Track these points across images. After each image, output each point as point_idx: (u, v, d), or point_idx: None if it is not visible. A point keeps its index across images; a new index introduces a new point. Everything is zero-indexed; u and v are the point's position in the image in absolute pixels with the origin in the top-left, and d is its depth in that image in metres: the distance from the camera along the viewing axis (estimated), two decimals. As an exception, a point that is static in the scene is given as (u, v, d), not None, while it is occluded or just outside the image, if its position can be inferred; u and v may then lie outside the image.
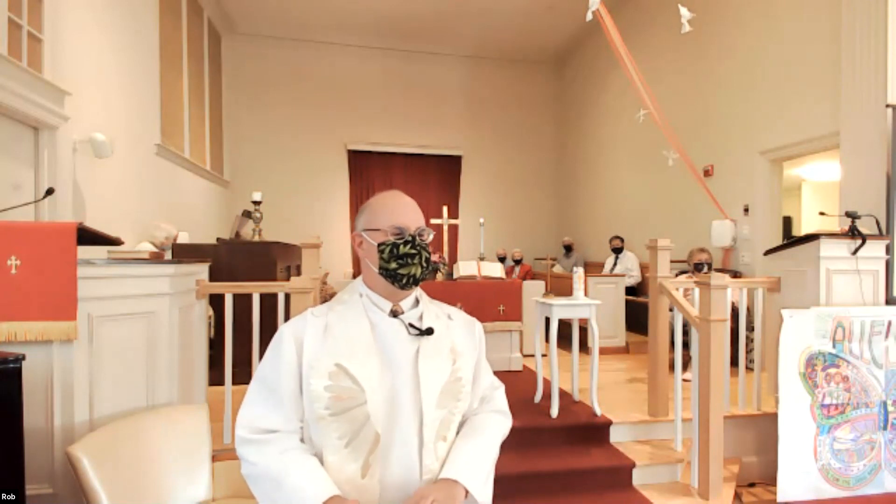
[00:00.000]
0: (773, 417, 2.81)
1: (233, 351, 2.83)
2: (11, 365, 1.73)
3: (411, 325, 1.10)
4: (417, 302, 1.17)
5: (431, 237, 1.15)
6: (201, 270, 2.78)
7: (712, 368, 2.71)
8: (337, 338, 1.07)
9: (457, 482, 1.03)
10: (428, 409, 1.05)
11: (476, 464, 1.08)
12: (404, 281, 1.09)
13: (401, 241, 1.08)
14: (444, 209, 6.05)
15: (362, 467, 1.01)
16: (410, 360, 1.08)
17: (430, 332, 1.10)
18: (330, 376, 1.03)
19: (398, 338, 1.10)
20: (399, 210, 1.11)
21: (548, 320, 3.40)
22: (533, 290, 4.96)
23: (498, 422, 1.20)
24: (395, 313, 1.12)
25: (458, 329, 1.18)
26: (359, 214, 1.17)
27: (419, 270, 1.09)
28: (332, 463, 1.02)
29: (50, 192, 3.01)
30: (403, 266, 1.08)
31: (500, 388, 1.28)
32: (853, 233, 2.99)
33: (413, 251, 1.08)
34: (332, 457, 1.02)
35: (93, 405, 2.09)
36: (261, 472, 1.03)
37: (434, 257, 4.77)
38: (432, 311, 1.17)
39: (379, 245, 1.09)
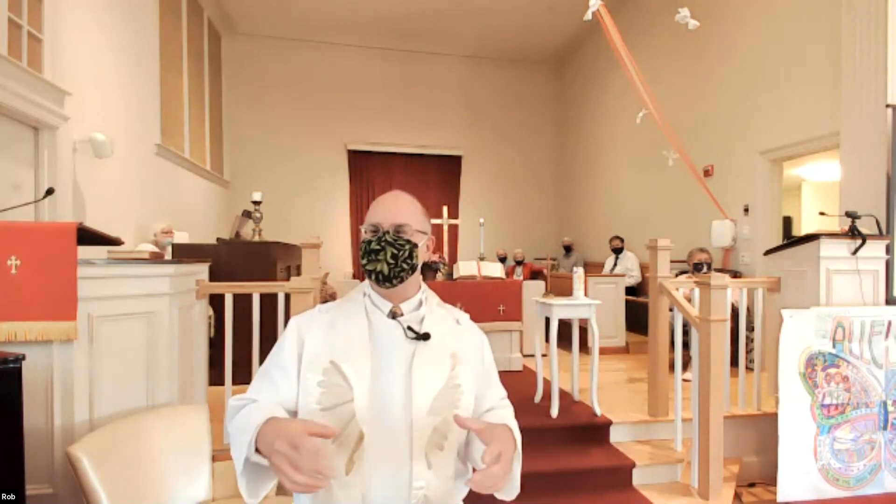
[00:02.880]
0: (773, 417, 2.81)
1: (233, 351, 2.83)
2: (11, 365, 1.73)
3: (409, 329, 1.10)
4: (421, 304, 1.16)
5: (423, 237, 1.13)
6: (201, 270, 2.79)
7: (712, 368, 2.71)
8: (337, 335, 1.09)
9: (511, 428, 1.05)
10: (418, 415, 1.04)
11: (516, 430, 1.10)
12: (373, 278, 1.09)
13: (373, 238, 1.09)
14: (444, 209, 6.05)
15: (346, 464, 1.02)
16: (405, 364, 1.07)
17: (426, 337, 1.09)
18: (324, 372, 1.05)
19: (395, 340, 1.09)
20: (380, 208, 1.12)
21: (548, 320, 3.40)
22: (533, 290, 4.96)
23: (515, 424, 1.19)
24: (393, 314, 1.11)
25: (464, 335, 1.17)
26: None
27: (385, 267, 1.08)
28: None
29: (50, 192, 3.01)
30: (370, 262, 1.08)
31: (510, 408, 1.26)
32: (853, 233, 2.99)
33: (377, 247, 1.08)
34: None
35: (93, 405, 2.09)
36: (233, 426, 1.02)
37: (434, 257, 4.76)
38: (437, 315, 1.16)
39: (360, 243, 1.12)
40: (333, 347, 1.07)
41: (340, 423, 1.02)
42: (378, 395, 1.05)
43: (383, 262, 1.08)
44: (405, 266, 1.09)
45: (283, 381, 1.08)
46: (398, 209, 1.12)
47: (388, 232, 1.09)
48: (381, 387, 1.05)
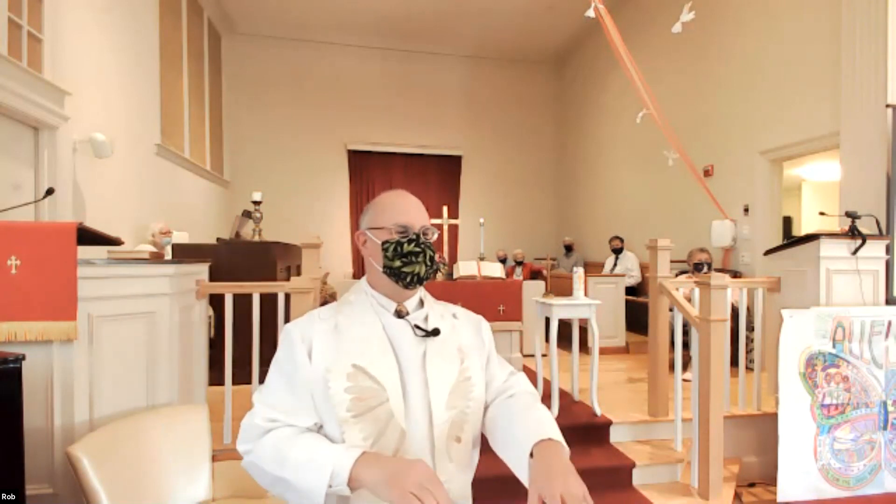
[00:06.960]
0: (773, 417, 2.81)
1: (233, 351, 2.83)
2: (11, 365, 1.73)
3: (417, 327, 1.10)
4: (422, 303, 1.16)
5: (436, 236, 1.15)
6: (201, 270, 2.79)
7: (712, 368, 2.71)
8: (349, 339, 1.06)
9: (559, 442, 1.03)
10: (437, 411, 1.04)
11: (555, 428, 1.08)
12: (408, 279, 1.08)
13: (405, 240, 1.08)
14: (444, 209, 6.04)
15: None
16: (418, 362, 1.07)
17: (436, 332, 1.09)
18: (348, 377, 1.02)
19: (405, 339, 1.09)
20: (404, 208, 1.11)
21: (548, 320, 3.40)
22: (533, 290, 4.96)
23: (537, 399, 1.17)
24: (399, 313, 1.11)
25: (464, 328, 1.18)
26: (363, 213, 1.16)
27: (423, 269, 1.08)
28: None
29: (50, 192, 3.01)
30: (407, 264, 1.08)
31: (517, 374, 1.24)
32: (853, 233, 2.99)
33: (417, 249, 1.08)
34: None
35: (93, 405, 2.09)
36: (262, 454, 0.98)
37: (435, 257, 4.76)
38: (437, 312, 1.16)
39: (383, 243, 1.09)
40: (350, 351, 1.04)
41: (377, 426, 1.01)
42: (406, 394, 1.05)
43: (422, 264, 1.08)
44: (435, 267, 1.12)
45: (310, 398, 1.03)
46: (422, 211, 1.14)
47: (420, 234, 1.11)
48: (405, 385, 1.05)
